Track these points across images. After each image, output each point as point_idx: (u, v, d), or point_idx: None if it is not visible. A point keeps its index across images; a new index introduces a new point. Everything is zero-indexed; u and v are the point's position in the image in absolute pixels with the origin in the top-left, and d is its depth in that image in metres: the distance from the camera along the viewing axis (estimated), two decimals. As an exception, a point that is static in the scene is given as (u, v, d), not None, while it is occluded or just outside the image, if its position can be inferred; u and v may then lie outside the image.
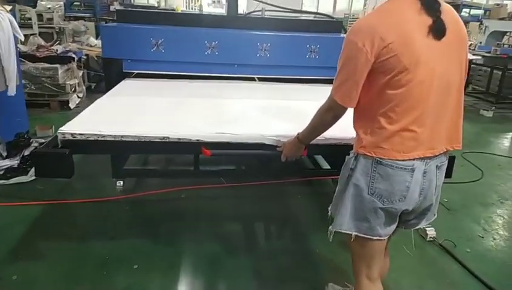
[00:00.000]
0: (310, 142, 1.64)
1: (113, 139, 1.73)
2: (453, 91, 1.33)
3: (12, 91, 3.32)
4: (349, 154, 1.47)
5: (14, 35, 3.34)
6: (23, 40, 3.79)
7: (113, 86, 2.68)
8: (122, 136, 1.73)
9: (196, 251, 2.41)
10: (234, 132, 1.83)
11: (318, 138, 1.63)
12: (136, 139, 1.74)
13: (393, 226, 1.46)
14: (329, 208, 1.57)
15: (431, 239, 2.61)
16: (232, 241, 2.55)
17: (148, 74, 2.92)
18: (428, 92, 1.27)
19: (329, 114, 1.44)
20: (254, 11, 3.67)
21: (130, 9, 4.60)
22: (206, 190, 3.15)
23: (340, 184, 1.50)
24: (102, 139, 1.72)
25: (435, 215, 1.54)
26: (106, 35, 2.77)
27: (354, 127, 1.44)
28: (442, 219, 2.93)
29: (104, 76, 3.07)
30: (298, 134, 1.63)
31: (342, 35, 3.21)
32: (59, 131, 1.71)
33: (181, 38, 2.79)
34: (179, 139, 1.76)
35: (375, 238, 1.42)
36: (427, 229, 2.63)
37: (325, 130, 1.53)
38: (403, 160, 1.31)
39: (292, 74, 3.04)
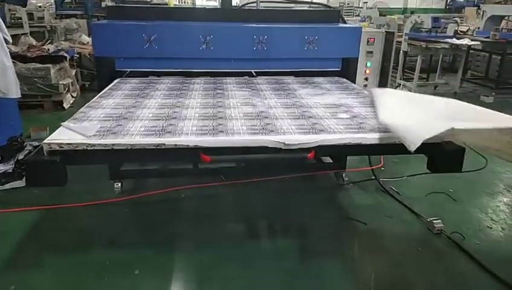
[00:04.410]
0: None
1: (103, 148, 1.60)
2: None
3: (15, 93, 3.30)
4: None
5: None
6: (10, 41, 3.69)
7: (106, 86, 2.58)
8: (113, 144, 1.60)
9: (198, 253, 2.35)
10: (234, 135, 1.72)
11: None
12: (129, 147, 1.62)
13: None
14: None
15: (438, 231, 2.55)
16: (234, 241, 2.49)
17: (142, 72, 2.84)
18: None
19: None
20: (248, 3, 3.58)
21: (120, 5, 4.50)
22: (206, 188, 3.09)
23: None
24: (92, 148, 1.59)
25: None
26: (97, 33, 2.68)
27: None
28: (449, 210, 2.88)
29: (96, 75, 2.99)
30: None
31: (341, 24, 3.12)
32: (44, 142, 1.58)
33: (174, 34, 2.69)
34: (176, 145, 1.64)
35: None
36: (434, 221, 2.57)
37: None
38: None
39: (290, 67, 2.96)
